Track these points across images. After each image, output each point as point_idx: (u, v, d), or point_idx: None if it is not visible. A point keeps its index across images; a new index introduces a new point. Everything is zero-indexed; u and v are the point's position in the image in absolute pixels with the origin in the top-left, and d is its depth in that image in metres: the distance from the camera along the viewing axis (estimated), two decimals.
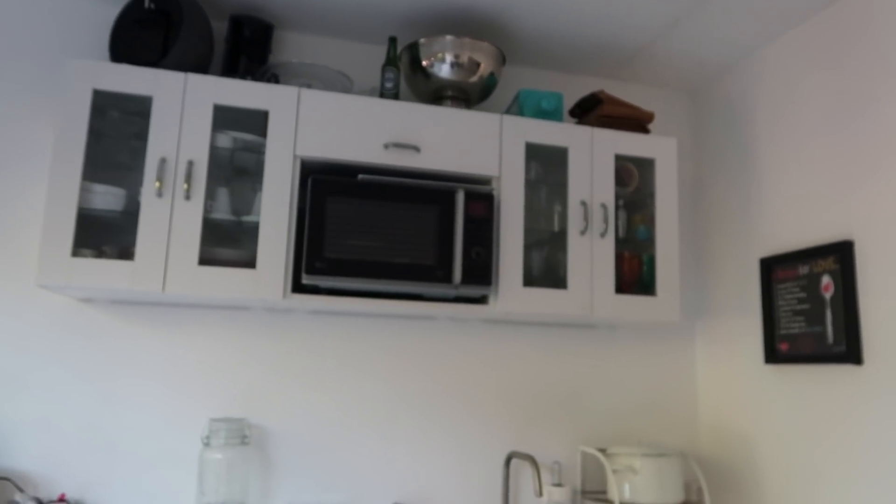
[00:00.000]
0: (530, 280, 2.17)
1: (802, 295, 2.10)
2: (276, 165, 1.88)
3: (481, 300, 2.03)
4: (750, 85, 2.39)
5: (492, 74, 2.18)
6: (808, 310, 2.07)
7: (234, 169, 2.02)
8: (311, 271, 1.83)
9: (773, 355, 2.18)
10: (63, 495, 1.90)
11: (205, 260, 1.86)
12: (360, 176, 1.91)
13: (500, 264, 2.01)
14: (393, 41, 2.14)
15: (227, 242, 1.96)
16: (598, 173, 2.15)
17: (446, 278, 1.91)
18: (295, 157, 1.91)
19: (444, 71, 2.13)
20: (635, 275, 2.23)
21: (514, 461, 2.30)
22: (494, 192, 2.04)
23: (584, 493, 2.33)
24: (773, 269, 2.22)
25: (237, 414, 2.09)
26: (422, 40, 2.11)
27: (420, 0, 2.10)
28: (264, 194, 1.86)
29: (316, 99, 1.93)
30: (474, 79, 2.16)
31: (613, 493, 2.09)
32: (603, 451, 2.28)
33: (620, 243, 2.25)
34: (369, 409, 2.20)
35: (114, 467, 1.98)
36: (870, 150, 1.92)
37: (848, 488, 1.90)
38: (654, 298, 2.15)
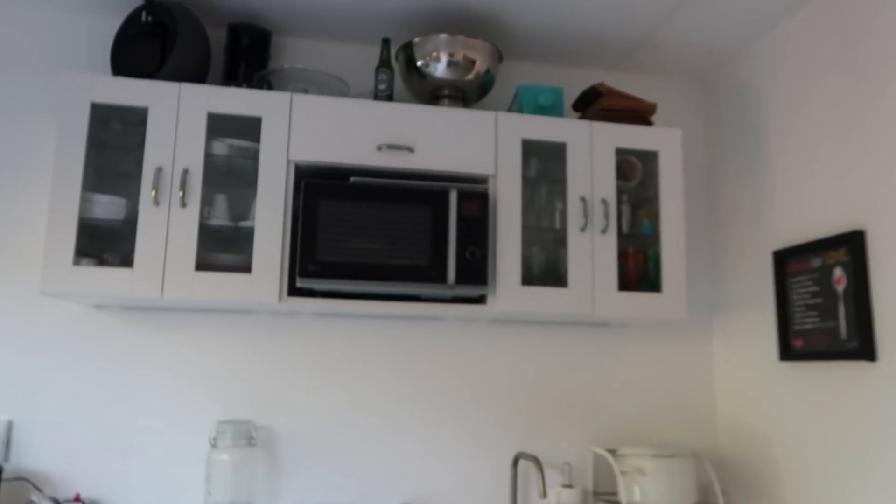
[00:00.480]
0: (530, 279, 2.15)
1: (815, 289, 2.02)
2: (270, 170, 1.91)
3: (479, 300, 2.01)
4: (760, 70, 2.31)
5: (488, 72, 2.16)
6: (821, 304, 1.99)
7: (232, 175, 2.05)
8: (305, 274, 1.85)
9: (787, 352, 2.11)
10: (78, 495, 1.97)
11: (204, 265, 1.91)
12: (352, 178, 1.92)
13: (498, 263, 1.99)
14: (386, 42, 2.14)
15: (227, 247, 2.00)
16: (599, 168, 2.11)
17: (440, 279, 1.90)
18: (288, 161, 1.93)
19: (439, 70, 2.12)
20: (640, 271, 2.18)
21: (522, 462, 2.28)
22: (490, 191, 2.03)
23: (597, 494, 2.29)
24: (786, 261, 2.14)
25: (244, 415, 2.13)
26: (416, 40, 2.11)
27: (416, 0, 2.10)
28: (259, 199, 1.89)
29: (308, 103, 1.95)
30: (470, 77, 2.14)
31: (622, 495, 2.05)
32: (613, 451, 2.24)
33: (625, 239, 2.20)
34: (376, 409, 2.22)
35: (127, 467, 2.04)
36: (883, 136, 1.83)
37: (864, 487, 1.82)
38: (659, 295, 2.09)
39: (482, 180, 2.06)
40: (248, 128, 1.97)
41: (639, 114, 2.20)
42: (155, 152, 1.86)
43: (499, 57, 2.19)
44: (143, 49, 1.96)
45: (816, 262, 2.02)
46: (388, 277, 1.88)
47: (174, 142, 1.87)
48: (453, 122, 2.03)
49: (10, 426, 2.00)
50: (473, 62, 2.13)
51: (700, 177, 2.57)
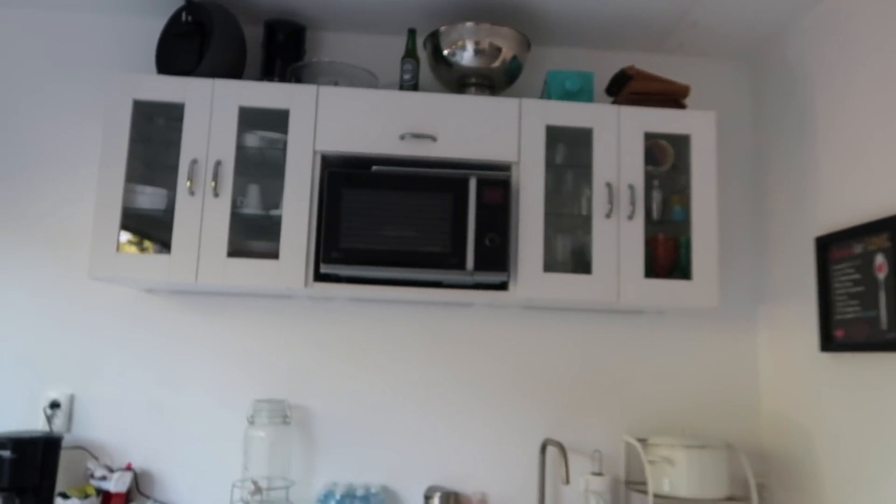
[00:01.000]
0: (554, 266, 2.14)
1: (857, 276, 1.91)
2: (297, 161, 1.99)
3: (501, 286, 2.03)
4: (806, 47, 2.20)
5: (515, 59, 2.16)
6: (862, 292, 1.89)
7: (264, 166, 2.15)
8: (329, 260, 1.92)
9: (828, 342, 2.01)
10: (130, 464, 2.14)
11: (238, 252, 2.02)
12: (374, 167, 1.98)
13: (519, 250, 2.00)
14: (412, 33, 2.18)
15: (259, 235, 2.10)
16: (626, 153, 2.07)
17: (460, 265, 1.93)
18: (315, 152, 2.01)
19: (465, 58, 2.14)
20: (671, 258, 2.13)
21: (550, 448, 2.29)
22: (513, 178, 2.04)
23: (628, 483, 2.27)
24: (829, 248, 2.04)
25: (281, 395, 2.24)
26: (442, 29, 2.14)
27: None
28: (286, 188, 1.97)
29: (333, 95, 2.02)
30: (496, 64, 2.15)
31: (649, 485, 2.02)
32: (644, 440, 2.21)
33: (655, 225, 2.16)
34: (407, 393, 2.28)
35: (173, 441, 2.19)
36: None
37: None
38: (689, 282, 2.04)
39: (505, 167, 2.07)
40: (278, 120, 2.05)
41: (670, 96, 2.14)
42: (190, 145, 1.98)
43: (526, 44, 2.18)
44: (182, 48, 2.08)
45: (858, 248, 1.91)
46: (409, 264, 1.93)
47: (208, 135, 1.98)
48: (476, 109, 2.05)
49: (72, 400, 2.19)
50: (500, 49, 2.14)
51: (744, 161, 2.48)
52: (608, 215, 2.03)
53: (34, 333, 2.21)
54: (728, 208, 2.45)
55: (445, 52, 2.15)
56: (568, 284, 2.01)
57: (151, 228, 2.10)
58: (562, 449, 2.03)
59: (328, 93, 2.02)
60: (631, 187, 2.05)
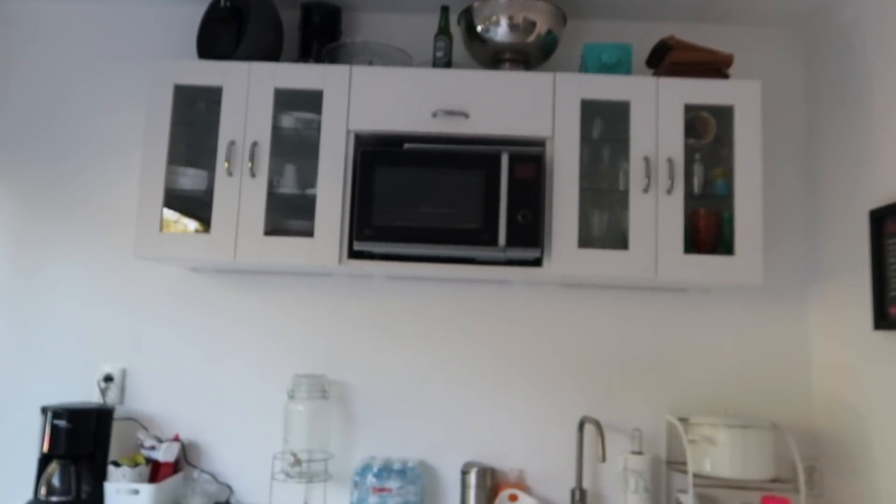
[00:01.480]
0: (590, 242, 2.11)
1: None
2: (331, 140, 2.02)
3: (535, 262, 2.01)
4: (864, 11, 2.08)
5: (549, 33, 2.13)
6: None
7: (301, 146, 2.18)
8: (362, 238, 1.94)
9: (882, 320, 1.92)
10: (177, 435, 2.22)
11: (275, 230, 2.06)
12: (406, 145, 1.98)
13: (553, 226, 1.98)
14: (444, 10, 2.17)
15: (296, 214, 2.14)
16: (665, 126, 2.01)
17: (492, 241, 1.92)
18: (348, 131, 2.03)
19: (499, 34, 2.11)
20: (713, 233, 2.06)
21: (588, 426, 2.26)
22: (547, 153, 2.01)
23: (670, 463, 2.22)
24: (883, 221, 1.94)
25: (321, 371, 2.29)
26: (475, 5, 2.12)
27: None
28: (320, 167, 2.00)
29: (366, 75, 2.03)
30: (531, 39, 2.12)
31: (689, 465, 1.98)
32: (685, 420, 2.16)
33: (696, 200, 2.09)
34: (445, 370, 2.29)
35: (218, 414, 2.27)
36: None
37: None
38: (731, 258, 1.98)
39: (539, 143, 2.04)
40: (313, 101, 2.08)
41: (713, 66, 2.06)
42: (228, 127, 2.03)
43: (562, 17, 2.14)
44: (221, 32, 2.13)
45: None
46: (441, 240, 1.93)
47: (245, 117, 2.03)
48: (509, 85, 2.02)
49: (124, 373, 2.29)
50: (534, 24, 2.10)
51: (794, 132, 2.37)
52: (646, 190, 1.98)
53: (88, 311, 2.32)
54: (776, 182, 2.35)
55: (479, 29, 2.13)
56: (604, 260, 1.97)
57: (194, 209, 2.17)
58: (598, 427, 2.01)
59: (361, 72, 2.03)
60: (670, 161, 1.99)
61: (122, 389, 2.28)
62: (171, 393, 2.28)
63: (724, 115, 2.07)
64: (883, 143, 1.96)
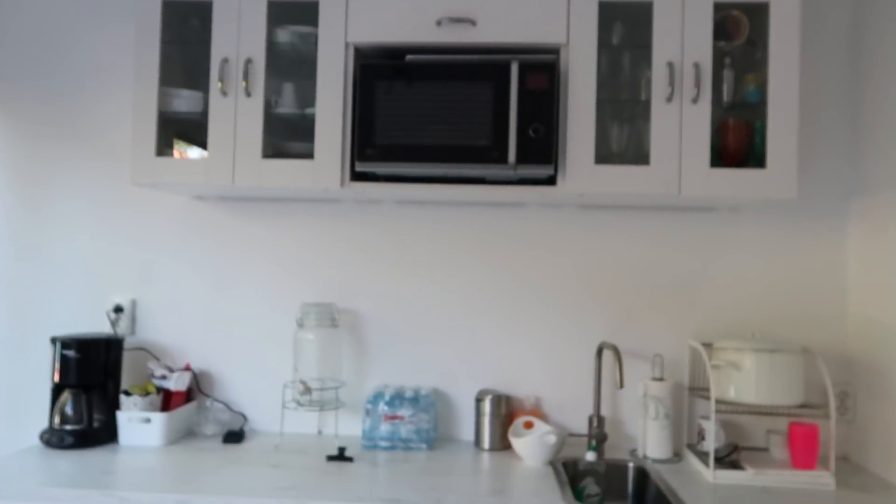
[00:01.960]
0: (608, 157, 1.97)
1: None
2: (329, 54, 1.89)
3: (549, 181, 1.89)
4: None
5: None
6: None
7: (299, 64, 2.06)
8: (363, 158, 1.84)
9: None
10: (188, 364, 2.21)
11: (275, 153, 1.97)
12: (408, 57, 1.84)
13: (568, 141, 1.84)
14: None
15: (296, 135, 2.03)
16: (691, 28, 1.83)
17: (501, 159, 1.80)
18: (347, 44, 1.89)
19: None
20: (743, 145, 1.91)
21: (606, 352, 2.18)
22: (561, 62, 1.85)
23: (692, 389, 2.14)
24: None
25: (331, 299, 2.23)
26: None
27: None
28: (319, 84, 1.88)
29: None
30: None
31: (712, 390, 1.89)
32: (709, 345, 2.06)
33: (725, 109, 1.93)
34: (459, 296, 2.21)
35: (228, 343, 2.24)
36: None
37: None
38: (763, 172, 1.83)
39: (553, 50, 1.88)
40: (310, 13, 1.94)
41: None
42: (221, 43, 1.91)
43: None
44: None
45: None
46: (447, 159, 1.82)
47: (238, 32, 1.91)
48: None
49: (134, 304, 2.26)
50: None
51: (841, 32, 2.15)
52: (669, 99, 1.83)
53: (95, 242, 2.28)
54: (815, 89, 2.15)
55: None
56: (622, 177, 1.84)
57: (191, 132, 2.07)
58: (616, 352, 1.92)
59: None
60: (696, 66, 1.82)
61: (133, 320, 2.26)
62: (182, 323, 2.25)
63: (758, 14, 1.88)
64: None
